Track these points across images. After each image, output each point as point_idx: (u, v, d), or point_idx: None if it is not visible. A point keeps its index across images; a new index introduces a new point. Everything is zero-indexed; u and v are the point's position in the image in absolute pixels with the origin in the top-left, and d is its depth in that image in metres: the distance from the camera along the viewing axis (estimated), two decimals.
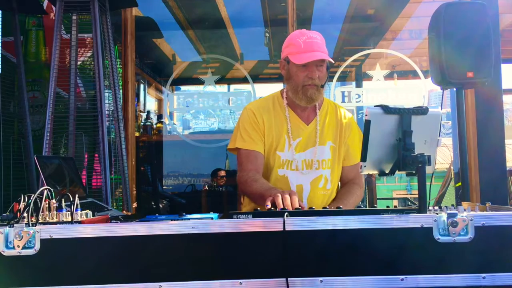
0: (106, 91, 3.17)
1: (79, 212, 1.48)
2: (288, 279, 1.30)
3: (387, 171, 1.53)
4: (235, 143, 2.20)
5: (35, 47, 3.83)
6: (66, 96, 3.23)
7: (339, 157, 2.24)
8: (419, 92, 4.21)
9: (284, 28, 4.02)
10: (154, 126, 4.78)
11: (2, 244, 1.34)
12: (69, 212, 1.46)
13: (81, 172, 3.11)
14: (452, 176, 3.99)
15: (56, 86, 3.04)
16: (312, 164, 2.17)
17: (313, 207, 1.73)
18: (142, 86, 5.53)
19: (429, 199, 1.62)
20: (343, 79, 4.76)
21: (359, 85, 4.98)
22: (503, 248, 1.33)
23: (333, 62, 2.11)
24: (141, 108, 5.39)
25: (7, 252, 1.34)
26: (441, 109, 2.39)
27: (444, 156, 5.60)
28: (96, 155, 3.18)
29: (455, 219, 1.32)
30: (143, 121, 4.78)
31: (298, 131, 2.18)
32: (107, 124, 3.07)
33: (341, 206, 1.72)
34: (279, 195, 1.75)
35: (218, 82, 4.61)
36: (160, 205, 5.08)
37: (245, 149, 2.16)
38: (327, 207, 1.97)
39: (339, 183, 2.34)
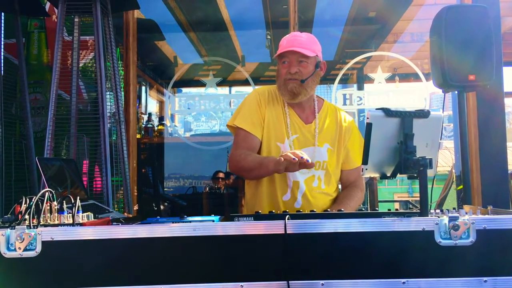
0: (108, 93, 3.18)
1: (80, 214, 1.49)
2: (289, 282, 1.30)
3: (388, 174, 1.53)
4: (234, 120, 2.21)
5: (37, 49, 3.83)
6: (67, 98, 3.24)
7: (337, 160, 2.25)
8: (421, 94, 4.21)
9: (285, 31, 4.02)
10: (156, 128, 4.78)
11: (3, 246, 1.34)
12: (71, 214, 1.46)
13: (82, 174, 3.12)
14: (454, 179, 3.99)
15: (57, 88, 3.04)
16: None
17: (301, 210, 1.73)
18: (143, 88, 5.53)
19: (431, 202, 1.62)
20: (344, 81, 4.77)
21: (360, 87, 4.99)
22: (504, 252, 1.33)
23: (309, 54, 2.12)
24: (143, 110, 5.40)
25: (9, 254, 1.34)
26: (443, 112, 2.39)
27: (445, 159, 5.59)
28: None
29: (456, 223, 1.32)
30: (144, 123, 4.78)
31: (295, 127, 2.20)
32: (108, 126, 3.07)
33: (342, 209, 1.72)
34: (289, 153, 1.85)
35: (219, 84, 4.62)
36: (161, 207, 5.08)
37: (244, 129, 2.17)
38: (329, 210, 1.98)
39: (340, 186, 2.35)
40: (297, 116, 2.22)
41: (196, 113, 5.95)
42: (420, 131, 1.50)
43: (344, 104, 4.16)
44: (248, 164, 2.09)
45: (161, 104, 6.02)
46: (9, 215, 1.53)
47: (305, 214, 1.55)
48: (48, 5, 3.73)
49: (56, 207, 1.48)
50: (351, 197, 2.24)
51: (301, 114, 2.23)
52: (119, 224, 1.55)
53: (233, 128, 2.22)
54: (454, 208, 1.59)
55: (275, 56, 2.17)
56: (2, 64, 3.38)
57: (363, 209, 3.79)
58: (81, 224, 1.44)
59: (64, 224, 1.44)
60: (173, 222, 1.45)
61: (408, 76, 4.49)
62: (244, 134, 2.17)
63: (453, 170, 4.01)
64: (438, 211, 1.55)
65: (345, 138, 2.26)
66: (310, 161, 1.84)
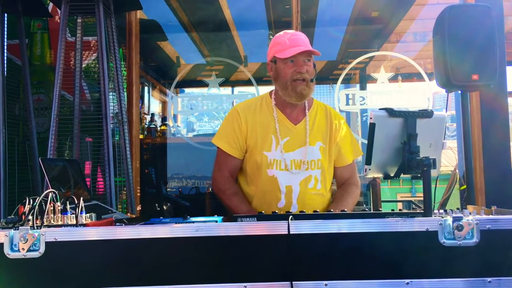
0: (111, 93, 3.17)
1: (83, 215, 1.49)
2: (293, 282, 1.30)
3: (392, 174, 1.53)
4: (214, 139, 2.30)
5: (40, 50, 3.84)
6: (70, 98, 3.24)
7: (329, 158, 2.25)
8: (424, 94, 4.20)
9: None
10: (158, 128, 4.78)
11: (7, 247, 1.35)
12: (74, 215, 1.47)
13: (85, 174, 3.12)
14: (457, 179, 3.98)
15: (61, 89, 3.04)
16: (301, 164, 2.18)
17: (304, 211, 1.73)
18: (146, 88, 5.53)
19: (434, 202, 1.62)
20: (347, 81, 4.75)
21: (363, 87, 4.97)
22: (508, 252, 1.33)
23: (319, 54, 2.14)
24: (145, 110, 5.39)
25: (12, 255, 1.35)
26: (446, 111, 2.39)
27: (448, 159, 5.58)
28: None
29: (460, 223, 1.32)
30: (147, 123, 4.78)
31: (285, 131, 2.21)
32: (111, 126, 3.07)
33: (345, 209, 1.72)
34: None
35: (222, 84, 4.62)
36: (164, 208, 5.07)
37: (222, 149, 2.25)
38: (331, 210, 1.98)
39: (336, 184, 2.36)
40: (286, 118, 2.23)
41: (199, 114, 5.93)
42: (423, 131, 1.50)
43: (347, 104, 4.15)
44: (229, 206, 2.21)
45: (164, 104, 6.02)
46: (12, 216, 1.54)
47: (308, 215, 1.55)
48: (51, 6, 3.73)
49: (59, 208, 1.48)
50: (349, 194, 2.26)
51: (291, 115, 2.24)
52: (122, 225, 1.55)
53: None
54: (457, 208, 1.59)
55: (287, 56, 2.11)
56: (5, 65, 3.38)
57: (366, 209, 3.78)
58: (85, 225, 1.44)
59: (67, 225, 1.44)
60: (176, 223, 1.45)
61: (411, 76, 4.48)
62: (224, 154, 2.25)
63: (457, 170, 4.00)
64: (441, 211, 1.54)
65: (336, 134, 2.27)
66: None
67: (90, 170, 3.23)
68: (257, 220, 1.45)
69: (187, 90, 5.62)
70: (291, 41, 2.14)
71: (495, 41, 2.43)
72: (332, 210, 1.93)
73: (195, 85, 5.22)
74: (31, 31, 3.83)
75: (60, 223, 1.46)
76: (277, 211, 2.08)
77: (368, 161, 1.48)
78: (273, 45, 2.21)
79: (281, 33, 2.22)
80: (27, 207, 1.44)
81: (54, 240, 1.35)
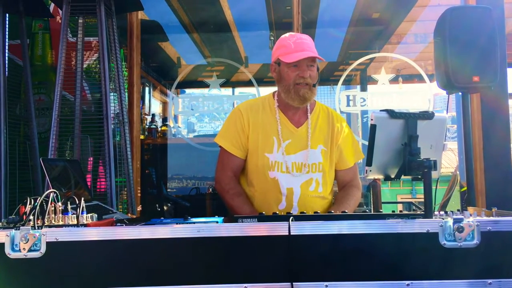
0: (112, 94, 3.18)
1: (84, 215, 1.49)
2: (293, 283, 1.30)
3: (392, 176, 1.53)
4: (217, 138, 2.30)
5: (41, 50, 3.84)
6: (71, 99, 3.24)
7: (331, 161, 2.25)
8: (425, 96, 4.20)
9: (289, 32, 4.01)
10: (159, 129, 4.78)
11: (8, 247, 1.35)
12: (75, 215, 1.47)
13: (86, 175, 3.12)
14: (458, 181, 3.98)
15: (62, 89, 3.05)
16: (302, 167, 2.19)
17: (304, 212, 1.74)
18: (147, 89, 5.53)
19: (435, 204, 1.62)
20: (348, 82, 4.75)
21: (364, 89, 4.97)
22: (509, 254, 1.33)
23: (324, 60, 2.15)
24: (146, 111, 5.39)
25: (13, 255, 1.35)
26: (447, 113, 2.39)
27: (449, 160, 5.58)
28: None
29: (461, 224, 1.32)
30: (148, 124, 4.79)
31: (287, 133, 2.21)
32: (112, 127, 3.07)
33: (346, 211, 1.72)
34: None
35: (222, 85, 4.62)
36: (165, 208, 5.07)
37: (225, 149, 2.24)
38: (332, 211, 1.98)
39: (337, 186, 2.36)
40: (288, 121, 2.23)
41: (200, 114, 5.94)
42: (424, 132, 1.50)
43: (348, 105, 4.15)
44: (232, 206, 2.21)
45: (165, 105, 6.02)
46: (13, 216, 1.54)
47: (309, 216, 1.55)
48: (52, 6, 3.74)
49: (60, 208, 1.48)
50: (350, 196, 2.26)
51: (293, 117, 2.24)
52: (123, 225, 1.56)
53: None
54: (458, 210, 1.59)
55: (291, 61, 2.10)
56: (7, 65, 3.38)
57: (367, 210, 3.78)
58: (86, 225, 1.45)
59: (68, 225, 1.45)
60: (177, 223, 1.45)
61: (412, 77, 4.48)
62: (227, 154, 2.25)
63: (457, 172, 4.00)
64: (442, 213, 1.54)
65: (337, 137, 2.27)
66: None
67: (91, 169, 3.24)
68: (258, 221, 1.46)
69: (188, 90, 5.63)
70: (296, 45, 2.12)
71: (496, 43, 2.43)
72: (333, 211, 1.93)
73: (196, 86, 5.23)
74: (32, 31, 3.84)
75: (61, 223, 1.46)
76: (277, 212, 2.09)
77: (368, 162, 1.49)
78: (278, 47, 2.20)
79: (287, 35, 2.21)
80: (28, 207, 1.45)
81: (55, 240, 1.35)
